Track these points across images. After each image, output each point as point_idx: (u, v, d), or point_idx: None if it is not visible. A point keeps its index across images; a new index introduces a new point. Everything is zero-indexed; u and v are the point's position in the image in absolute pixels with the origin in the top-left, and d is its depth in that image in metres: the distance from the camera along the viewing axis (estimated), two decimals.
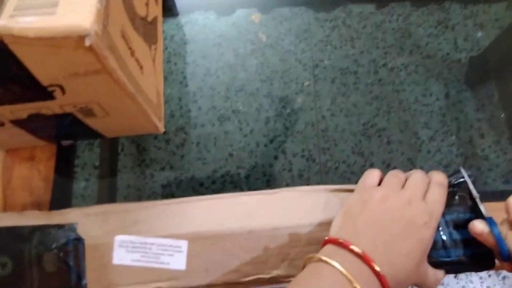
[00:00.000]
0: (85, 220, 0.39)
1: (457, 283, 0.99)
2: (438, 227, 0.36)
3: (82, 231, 0.38)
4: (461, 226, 0.37)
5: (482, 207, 0.36)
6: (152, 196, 0.87)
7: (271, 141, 0.87)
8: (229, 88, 0.89)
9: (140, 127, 0.44)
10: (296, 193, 0.41)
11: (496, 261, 0.36)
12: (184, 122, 0.87)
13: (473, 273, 1.00)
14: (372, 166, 0.90)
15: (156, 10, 0.49)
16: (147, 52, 0.44)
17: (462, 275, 1.01)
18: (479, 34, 0.95)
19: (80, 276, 0.37)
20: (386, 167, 0.88)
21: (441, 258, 0.36)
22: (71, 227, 0.38)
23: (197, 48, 0.91)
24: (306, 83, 0.90)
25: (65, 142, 0.46)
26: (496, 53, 0.90)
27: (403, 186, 0.36)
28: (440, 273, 0.36)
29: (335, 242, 0.32)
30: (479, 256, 0.36)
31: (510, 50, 0.90)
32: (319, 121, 0.89)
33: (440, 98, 0.91)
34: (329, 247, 0.33)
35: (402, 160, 0.89)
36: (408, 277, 0.33)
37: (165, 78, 0.89)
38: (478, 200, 0.36)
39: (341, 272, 0.30)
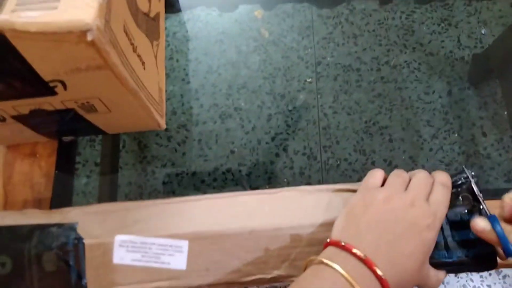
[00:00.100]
0: (85, 219, 0.39)
1: (458, 281, 0.99)
2: (441, 227, 0.36)
3: (82, 230, 0.38)
4: (464, 227, 0.36)
5: (485, 206, 0.35)
6: (153, 193, 0.87)
7: (273, 138, 0.87)
8: (231, 85, 0.89)
9: (141, 123, 0.43)
10: (298, 192, 0.41)
11: (498, 259, 0.36)
12: (185, 119, 0.87)
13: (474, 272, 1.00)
14: (373, 164, 0.90)
15: (158, 6, 0.48)
16: (149, 48, 0.43)
17: (462, 274, 1.01)
18: (483, 31, 0.94)
19: (80, 276, 0.37)
20: (387, 165, 0.88)
21: (443, 259, 0.36)
22: (71, 227, 0.38)
23: (200, 45, 0.90)
24: (308, 80, 0.90)
25: (67, 138, 0.46)
26: (500, 50, 0.89)
27: (406, 187, 0.35)
28: (441, 273, 0.36)
29: (337, 245, 0.32)
30: (481, 257, 0.36)
31: None
32: (321, 119, 0.89)
33: (443, 96, 0.91)
34: (330, 249, 0.33)
35: (404, 158, 0.89)
36: (410, 278, 0.32)
37: (167, 75, 0.89)
38: (481, 200, 0.36)
39: (342, 275, 0.30)
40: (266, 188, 0.42)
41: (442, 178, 0.36)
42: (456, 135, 0.89)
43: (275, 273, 0.38)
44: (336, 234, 0.34)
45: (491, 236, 0.33)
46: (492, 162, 0.90)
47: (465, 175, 0.37)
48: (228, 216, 0.39)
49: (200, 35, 0.91)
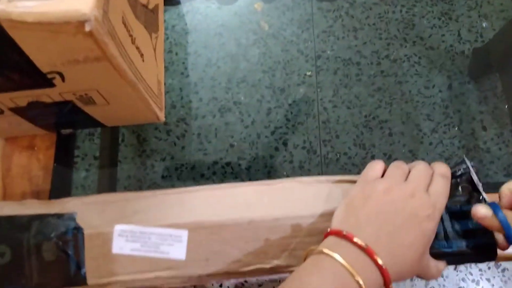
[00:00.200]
0: (85, 209, 0.39)
1: (457, 275, 0.99)
2: (441, 218, 0.36)
3: (81, 221, 0.38)
4: (464, 217, 0.36)
5: (484, 195, 0.35)
6: (153, 187, 0.87)
7: (272, 132, 0.87)
8: (230, 79, 0.88)
9: (140, 116, 0.43)
10: (297, 183, 0.41)
11: (498, 251, 0.36)
12: (185, 113, 0.87)
13: (472, 265, 1.00)
14: (373, 158, 0.90)
15: None
16: (148, 40, 0.43)
17: (462, 267, 1.01)
18: (484, 24, 0.94)
19: (79, 265, 0.37)
20: (387, 159, 0.88)
21: (443, 249, 0.36)
22: (71, 216, 0.38)
23: (199, 38, 0.90)
24: (308, 73, 0.89)
25: (65, 131, 0.46)
26: (500, 44, 0.89)
27: (406, 178, 0.35)
28: (441, 264, 0.36)
29: (338, 234, 0.32)
30: (481, 248, 0.36)
31: None
32: (320, 113, 0.89)
33: (443, 90, 0.90)
34: (331, 239, 0.33)
35: (403, 152, 0.89)
36: (410, 269, 0.32)
37: (166, 68, 0.89)
38: (480, 188, 0.36)
39: (342, 265, 0.30)
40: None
41: (442, 169, 0.36)
42: (456, 129, 0.89)
43: (275, 263, 0.38)
44: (336, 224, 0.34)
45: (492, 223, 0.33)
46: (492, 156, 0.90)
47: (464, 166, 0.37)
48: (227, 206, 0.39)
49: (200, 28, 0.91)
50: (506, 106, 0.91)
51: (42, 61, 0.31)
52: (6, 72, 0.32)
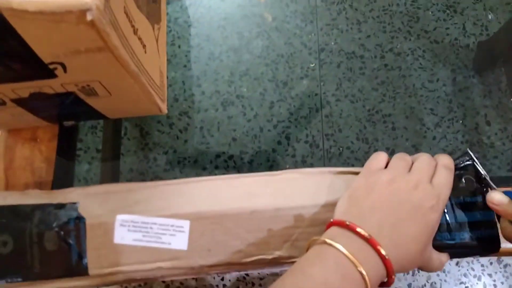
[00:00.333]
0: (87, 199, 0.39)
1: (459, 270, 0.99)
2: (444, 209, 0.36)
3: (83, 210, 0.38)
4: (467, 209, 0.36)
5: (492, 183, 0.35)
6: (155, 180, 0.87)
7: (275, 126, 0.87)
8: (233, 72, 0.88)
9: (142, 108, 0.43)
10: (300, 174, 0.41)
11: (501, 245, 0.36)
12: (187, 106, 0.87)
13: (474, 260, 1.00)
14: (376, 152, 0.89)
15: None
16: (150, 32, 0.43)
17: (463, 263, 1.01)
18: (489, 18, 0.93)
19: (81, 255, 0.37)
20: (390, 153, 0.87)
21: (445, 241, 0.36)
22: (73, 206, 0.38)
23: (201, 30, 0.89)
24: (312, 65, 0.89)
25: (67, 123, 0.46)
26: (506, 38, 0.88)
27: (409, 170, 0.35)
28: (444, 256, 0.36)
29: (341, 224, 0.32)
30: (484, 240, 0.36)
31: None
32: (323, 107, 0.88)
33: (447, 84, 0.90)
34: (334, 230, 0.32)
35: (406, 147, 0.88)
36: (413, 261, 0.32)
37: (169, 61, 0.89)
38: (487, 178, 0.35)
39: (345, 255, 0.30)
40: None
41: (445, 161, 0.36)
42: (459, 123, 0.89)
43: (277, 253, 0.38)
44: (338, 215, 0.34)
45: (509, 209, 0.32)
46: (496, 151, 0.89)
47: (467, 158, 0.37)
48: (229, 196, 0.39)
49: (202, 21, 0.90)
50: (510, 101, 0.90)
51: (44, 52, 0.30)
52: (8, 63, 0.32)
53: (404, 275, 0.97)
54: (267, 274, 0.89)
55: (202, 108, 0.87)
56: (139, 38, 0.37)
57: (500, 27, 0.92)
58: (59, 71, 0.33)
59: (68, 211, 0.38)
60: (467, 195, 0.36)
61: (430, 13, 0.94)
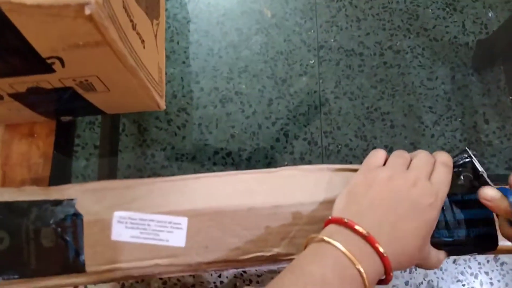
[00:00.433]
0: (84, 196, 0.38)
1: (456, 268, 0.99)
2: (442, 207, 0.36)
3: (80, 207, 0.38)
4: (465, 206, 0.36)
5: (488, 180, 0.35)
6: (153, 176, 0.87)
7: (273, 123, 0.87)
8: (232, 68, 0.88)
9: (141, 103, 0.43)
10: (298, 171, 0.40)
11: (499, 243, 0.36)
12: (186, 103, 0.87)
13: (471, 258, 1.00)
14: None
15: None
16: (149, 27, 0.42)
17: (460, 260, 1.02)
18: (490, 14, 0.93)
19: (78, 252, 0.37)
20: (388, 151, 0.87)
21: (443, 239, 0.36)
22: (70, 203, 0.38)
23: (200, 26, 0.89)
24: (311, 61, 0.89)
25: (65, 118, 0.46)
26: (505, 36, 0.88)
27: (408, 167, 0.35)
28: (442, 254, 0.36)
29: (340, 222, 0.32)
30: (482, 237, 0.36)
31: None
32: (322, 104, 0.88)
33: (446, 82, 0.90)
34: (332, 227, 0.32)
35: (405, 144, 0.88)
36: (411, 258, 0.32)
37: (168, 57, 0.88)
38: (485, 175, 0.35)
39: (343, 253, 0.29)
40: None
41: (443, 158, 0.36)
42: (458, 121, 0.89)
43: (275, 250, 0.38)
44: (337, 212, 0.34)
45: (501, 205, 0.32)
46: (494, 149, 0.89)
47: (466, 155, 0.37)
48: (227, 193, 0.39)
49: (201, 17, 0.90)
50: (509, 99, 0.90)
51: (42, 46, 0.30)
52: (5, 57, 0.31)
53: (401, 272, 0.97)
54: (264, 271, 0.89)
55: (200, 104, 0.87)
56: (138, 33, 0.37)
57: (500, 26, 0.92)
58: (57, 65, 0.32)
59: (65, 207, 0.37)
60: (466, 192, 0.36)
61: (430, 11, 0.94)
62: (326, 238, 0.31)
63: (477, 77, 0.90)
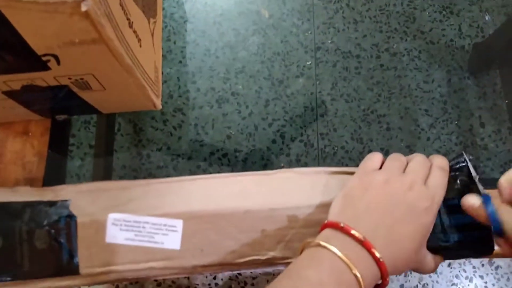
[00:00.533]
0: (78, 197, 0.38)
1: (450, 271, 0.99)
2: (438, 211, 0.35)
3: (74, 208, 0.37)
4: (462, 211, 0.36)
5: (480, 186, 0.35)
6: (148, 177, 0.86)
7: (270, 124, 0.86)
8: (228, 69, 0.87)
9: (137, 103, 0.42)
10: (295, 174, 0.40)
11: (496, 247, 0.36)
12: (182, 103, 0.86)
13: (466, 262, 1.01)
14: (370, 152, 0.89)
15: None
16: (146, 26, 0.42)
17: (455, 264, 1.02)
18: (487, 17, 0.93)
19: (72, 254, 0.36)
20: (384, 154, 0.87)
21: (439, 243, 0.36)
22: (64, 204, 0.37)
23: (197, 26, 0.89)
24: (308, 62, 0.89)
25: (60, 117, 0.45)
26: (501, 40, 0.89)
27: (404, 170, 0.35)
28: (438, 258, 0.36)
29: (336, 226, 0.31)
30: (478, 241, 0.36)
31: None
32: (319, 106, 0.88)
33: (442, 85, 0.90)
34: (328, 232, 0.32)
35: (401, 147, 0.89)
36: (407, 262, 0.32)
37: (164, 57, 0.88)
38: (476, 180, 0.35)
39: (340, 257, 0.29)
40: None
41: (440, 162, 0.36)
42: (454, 125, 0.89)
43: (270, 254, 0.38)
44: (333, 216, 0.34)
45: (479, 213, 0.33)
46: (489, 153, 0.90)
47: (463, 159, 0.37)
48: (223, 195, 0.38)
49: (199, 16, 0.89)
50: (505, 103, 0.90)
51: (37, 43, 0.30)
52: (0, 54, 0.31)
53: (396, 276, 0.97)
54: (259, 273, 0.89)
55: (197, 105, 0.86)
56: (134, 32, 0.37)
57: (496, 29, 0.92)
58: (52, 63, 0.32)
59: (59, 208, 0.37)
60: (462, 197, 0.36)
61: (427, 13, 0.94)
62: (322, 243, 0.31)
63: (473, 80, 0.91)
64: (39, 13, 0.27)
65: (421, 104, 0.90)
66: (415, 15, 0.93)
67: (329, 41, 0.92)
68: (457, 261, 1.00)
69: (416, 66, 0.91)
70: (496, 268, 1.02)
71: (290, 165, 0.86)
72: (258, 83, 0.88)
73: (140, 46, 0.38)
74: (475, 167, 0.37)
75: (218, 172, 0.85)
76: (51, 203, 0.37)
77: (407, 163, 0.36)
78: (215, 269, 0.38)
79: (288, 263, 0.31)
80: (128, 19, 0.34)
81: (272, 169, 0.40)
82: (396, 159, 0.36)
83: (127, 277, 0.37)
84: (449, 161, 0.38)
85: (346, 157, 0.89)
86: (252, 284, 0.84)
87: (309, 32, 0.92)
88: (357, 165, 0.38)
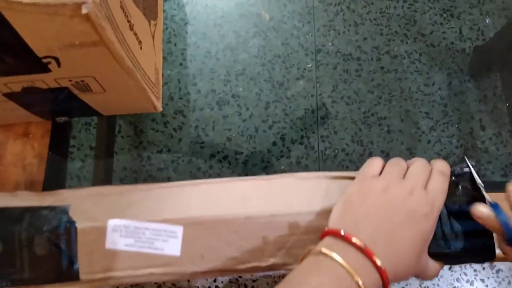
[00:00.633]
0: (78, 202, 0.38)
1: (451, 275, 0.99)
2: (440, 217, 0.35)
3: (74, 213, 0.37)
4: (463, 217, 0.36)
5: (486, 195, 0.35)
6: (149, 179, 0.86)
7: (270, 126, 0.86)
8: (229, 71, 0.87)
9: (137, 105, 0.42)
10: (295, 179, 0.40)
11: (497, 251, 0.36)
12: (182, 105, 0.86)
13: (467, 265, 1.00)
14: (371, 155, 0.89)
15: None
16: (147, 28, 0.42)
17: (456, 268, 1.02)
18: (487, 20, 0.93)
19: (71, 260, 0.36)
20: (385, 157, 0.87)
21: (441, 250, 0.35)
22: (63, 209, 0.37)
23: (198, 28, 0.89)
24: (309, 65, 0.89)
25: (60, 119, 0.45)
26: (502, 43, 0.89)
27: (404, 175, 0.35)
28: (439, 264, 0.36)
29: (336, 234, 0.31)
30: (480, 248, 0.35)
31: None
32: (319, 108, 0.88)
33: (443, 88, 0.90)
34: (329, 239, 0.32)
35: (401, 150, 0.88)
36: (408, 269, 0.32)
37: (165, 59, 0.88)
38: (482, 189, 0.35)
39: (342, 265, 0.29)
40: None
41: (441, 166, 0.36)
42: (454, 127, 0.89)
43: (271, 261, 0.37)
44: (333, 223, 0.33)
45: (492, 223, 0.32)
46: (490, 156, 0.90)
47: (465, 165, 0.37)
48: (224, 201, 0.38)
49: (199, 19, 0.89)
50: (506, 106, 0.90)
51: (38, 45, 0.30)
52: (1, 56, 0.31)
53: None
54: (260, 276, 0.88)
55: (197, 107, 0.86)
56: (135, 34, 0.37)
57: (496, 32, 0.92)
58: (53, 65, 0.32)
59: (58, 214, 0.36)
60: (464, 203, 0.36)
61: (427, 16, 0.94)
62: (324, 250, 0.30)
63: (474, 83, 0.91)
64: (39, 15, 0.27)
65: (421, 107, 0.90)
66: (416, 18, 0.94)
67: (330, 44, 0.92)
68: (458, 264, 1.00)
69: (417, 68, 0.91)
70: (497, 271, 1.02)
71: (290, 167, 0.86)
72: (258, 85, 0.88)
73: (141, 48, 0.38)
74: (477, 172, 0.37)
75: (219, 174, 0.85)
76: (51, 208, 0.37)
77: (408, 168, 0.36)
78: (215, 275, 0.38)
79: (289, 270, 0.31)
80: (128, 21, 0.34)
81: (272, 171, 0.40)
82: (396, 164, 0.36)
83: (127, 283, 0.37)
84: (451, 166, 0.37)
85: (347, 160, 0.89)
86: (253, 287, 0.84)
87: (310, 34, 0.92)
88: (357, 168, 0.38)
